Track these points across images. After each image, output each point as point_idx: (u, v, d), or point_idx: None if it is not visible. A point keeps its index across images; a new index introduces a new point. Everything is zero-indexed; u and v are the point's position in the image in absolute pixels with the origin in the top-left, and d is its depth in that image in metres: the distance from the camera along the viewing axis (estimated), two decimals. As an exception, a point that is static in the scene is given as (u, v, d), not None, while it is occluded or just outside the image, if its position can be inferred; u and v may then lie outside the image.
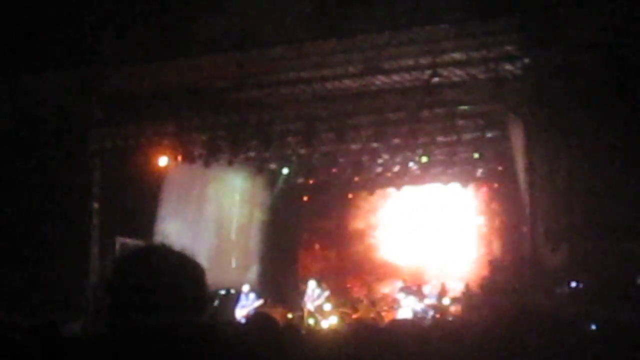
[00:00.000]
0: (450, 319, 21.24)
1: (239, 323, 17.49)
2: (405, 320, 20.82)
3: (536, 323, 3.23)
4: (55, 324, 4.22)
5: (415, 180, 26.20)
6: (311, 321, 22.72)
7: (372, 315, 23.55)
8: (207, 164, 22.85)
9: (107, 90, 20.28)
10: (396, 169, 25.82)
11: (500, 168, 24.67)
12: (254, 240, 26.94)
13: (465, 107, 20.48)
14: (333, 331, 15.98)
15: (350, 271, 27.21)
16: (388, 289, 25.24)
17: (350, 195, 28.34)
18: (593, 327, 5.83)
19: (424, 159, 23.82)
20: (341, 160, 24.96)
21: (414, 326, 8.31)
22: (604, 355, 4.00)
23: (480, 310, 18.68)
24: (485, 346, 3.46)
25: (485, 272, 19.87)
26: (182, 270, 2.89)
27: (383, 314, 23.61)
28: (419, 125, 21.02)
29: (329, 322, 22.74)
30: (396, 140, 22.14)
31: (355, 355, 5.49)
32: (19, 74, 18.53)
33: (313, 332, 18.03)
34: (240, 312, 22.36)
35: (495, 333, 3.30)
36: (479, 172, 25.62)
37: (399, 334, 6.07)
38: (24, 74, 18.52)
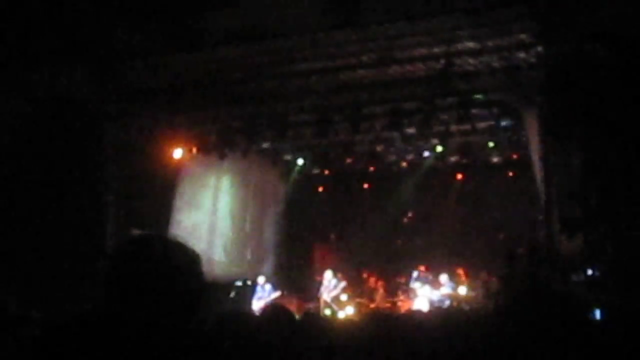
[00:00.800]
0: (466, 307, 21.26)
1: (252, 315, 17.53)
2: (421, 310, 20.86)
3: (550, 307, 3.24)
4: (75, 319, 4.22)
5: (431, 168, 26.22)
6: (328, 312, 22.73)
7: (388, 305, 23.60)
8: (221, 156, 22.88)
9: (121, 83, 20.30)
10: (411, 157, 25.90)
11: (515, 156, 24.65)
12: (269, 232, 26.98)
13: (480, 96, 20.43)
14: (349, 321, 15.99)
15: (366, 261, 27.20)
16: (404, 278, 25.20)
17: (365, 185, 28.37)
18: (598, 314, 5.82)
19: (439, 148, 23.85)
20: (356, 150, 24.99)
21: (429, 315, 8.33)
22: (616, 342, 4.01)
23: (497, 298, 18.66)
24: (501, 334, 3.48)
25: (501, 260, 19.81)
26: (174, 260, 2.85)
27: (399, 303, 23.65)
28: (433, 115, 21.00)
29: (346, 312, 22.76)
30: (411, 130, 22.14)
31: (372, 344, 5.51)
32: (34, 68, 18.59)
33: (330, 321, 18.06)
34: (257, 304, 22.40)
35: (509, 320, 3.31)
36: (494, 160, 25.62)
37: (415, 323, 6.09)
38: (38, 67, 18.57)
